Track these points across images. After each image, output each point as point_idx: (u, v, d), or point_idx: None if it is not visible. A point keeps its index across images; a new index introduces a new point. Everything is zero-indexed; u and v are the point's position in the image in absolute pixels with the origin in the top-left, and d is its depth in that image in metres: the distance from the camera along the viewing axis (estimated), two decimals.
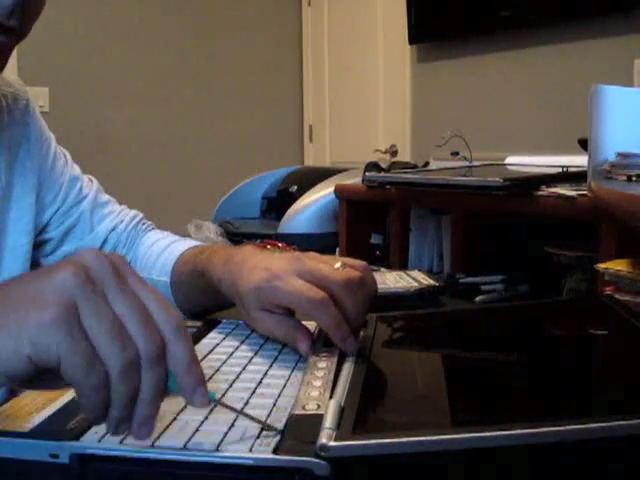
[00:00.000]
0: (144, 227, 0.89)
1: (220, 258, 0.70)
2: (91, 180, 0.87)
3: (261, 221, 1.82)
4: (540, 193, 0.99)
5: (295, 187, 1.69)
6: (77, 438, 0.41)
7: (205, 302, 0.76)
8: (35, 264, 0.81)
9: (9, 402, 0.48)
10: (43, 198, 0.80)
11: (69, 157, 0.86)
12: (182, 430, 0.42)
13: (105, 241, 0.85)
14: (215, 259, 0.71)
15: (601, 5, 2.32)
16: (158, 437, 0.41)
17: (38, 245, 0.81)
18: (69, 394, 0.47)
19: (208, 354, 0.59)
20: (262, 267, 0.60)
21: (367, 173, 1.32)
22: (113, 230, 0.85)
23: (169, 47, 3.57)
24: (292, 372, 0.54)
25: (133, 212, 0.90)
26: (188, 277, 0.76)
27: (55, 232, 0.82)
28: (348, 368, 0.52)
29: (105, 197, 0.88)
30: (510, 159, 1.40)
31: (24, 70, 3.11)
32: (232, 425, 0.43)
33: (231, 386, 0.51)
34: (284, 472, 0.39)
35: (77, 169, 0.86)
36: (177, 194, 3.57)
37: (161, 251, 0.83)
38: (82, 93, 3.34)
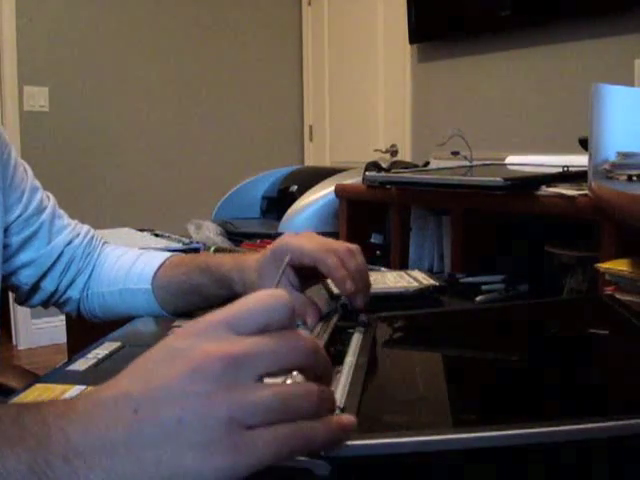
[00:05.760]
0: (98, 242, 0.92)
1: (224, 256, 0.83)
2: (48, 196, 0.89)
3: (261, 221, 1.82)
4: (540, 193, 0.99)
5: (295, 187, 1.69)
6: None
7: (196, 299, 0.84)
8: None
9: None
10: (7, 200, 0.81)
11: (29, 170, 0.87)
12: None
13: (61, 254, 0.86)
14: (218, 257, 0.84)
15: (601, 5, 2.32)
16: None
17: None
18: None
19: None
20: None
21: (367, 173, 1.32)
22: (69, 244, 0.87)
23: (169, 47, 3.58)
24: None
25: (86, 227, 0.92)
26: (182, 277, 0.83)
27: (15, 238, 0.82)
28: (348, 368, 0.52)
29: (61, 211, 0.90)
30: (510, 159, 1.40)
31: (24, 70, 3.11)
32: None
33: None
34: (284, 472, 0.38)
35: (37, 182, 0.88)
36: (177, 194, 3.57)
37: (132, 263, 0.88)
38: (82, 93, 3.34)
